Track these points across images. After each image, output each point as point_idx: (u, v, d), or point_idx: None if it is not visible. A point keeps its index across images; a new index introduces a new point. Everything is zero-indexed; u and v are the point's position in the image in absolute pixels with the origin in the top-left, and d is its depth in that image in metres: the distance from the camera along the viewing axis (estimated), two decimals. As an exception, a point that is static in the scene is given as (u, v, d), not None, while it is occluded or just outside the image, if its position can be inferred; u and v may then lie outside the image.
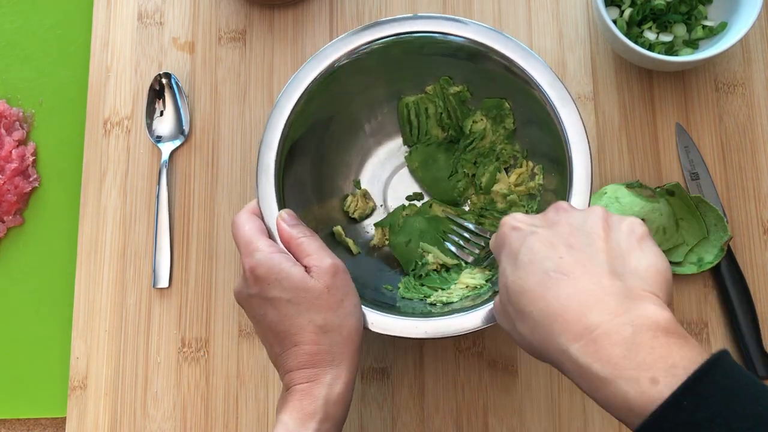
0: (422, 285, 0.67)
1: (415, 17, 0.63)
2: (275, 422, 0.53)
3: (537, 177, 0.68)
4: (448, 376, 0.70)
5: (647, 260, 0.44)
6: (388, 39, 0.63)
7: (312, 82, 0.62)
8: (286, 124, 0.62)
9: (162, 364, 0.71)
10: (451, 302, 0.63)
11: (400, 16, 0.63)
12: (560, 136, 0.60)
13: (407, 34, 0.63)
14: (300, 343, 0.53)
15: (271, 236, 0.58)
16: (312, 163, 0.68)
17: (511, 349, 0.70)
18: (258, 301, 0.54)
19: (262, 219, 0.59)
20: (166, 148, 0.75)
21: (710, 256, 0.69)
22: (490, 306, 0.57)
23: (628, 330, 0.40)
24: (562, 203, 0.49)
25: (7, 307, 0.74)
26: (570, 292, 0.42)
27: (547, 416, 0.69)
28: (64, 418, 0.71)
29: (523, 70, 0.61)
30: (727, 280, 0.69)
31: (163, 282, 0.72)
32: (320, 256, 0.55)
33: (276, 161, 0.61)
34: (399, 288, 0.68)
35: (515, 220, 0.49)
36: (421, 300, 0.65)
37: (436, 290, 0.66)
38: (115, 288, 0.73)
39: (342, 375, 0.53)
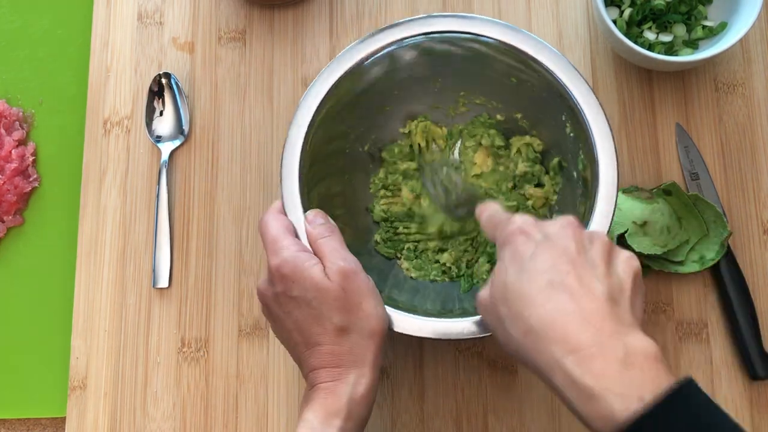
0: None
1: (433, 16, 0.63)
2: (299, 420, 0.53)
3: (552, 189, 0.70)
4: (448, 377, 0.70)
5: (640, 296, 0.48)
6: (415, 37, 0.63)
7: (340, 78, 0.62)
8: (310, 123, 0.62)
9: (162, 363, 0.71)
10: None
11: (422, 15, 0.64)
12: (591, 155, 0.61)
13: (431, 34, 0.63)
14: (322, 343, 0.54)
15: (297, 234, 0.59)
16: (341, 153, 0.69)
17: (511, 349, 0.70)
18: (284, 299, 0.55)
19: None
20: (166, 147, 0.75)
21: (712, 253, 0.69)
22: None
23: (622, 351, 0.42)
24: (572, 219, 0.51)
25: (7, 307, 0.74)
26: (571, 308, 0.44)
27: (547, 416, 0.69)
28: (64, 418, 0.71)
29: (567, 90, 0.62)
30: (727, 280, 0.69)
31: (163, 282, 0.72)
32: (333, 258, 0.55)
33: (300, 159, 0.61)
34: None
35: (525, 223, 0.51)
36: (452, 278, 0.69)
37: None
38: (115, 288, 0.73)
39: (366, 375, 0.54)
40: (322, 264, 0.55)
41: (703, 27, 0.73)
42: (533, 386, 0.69)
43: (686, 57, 0.70)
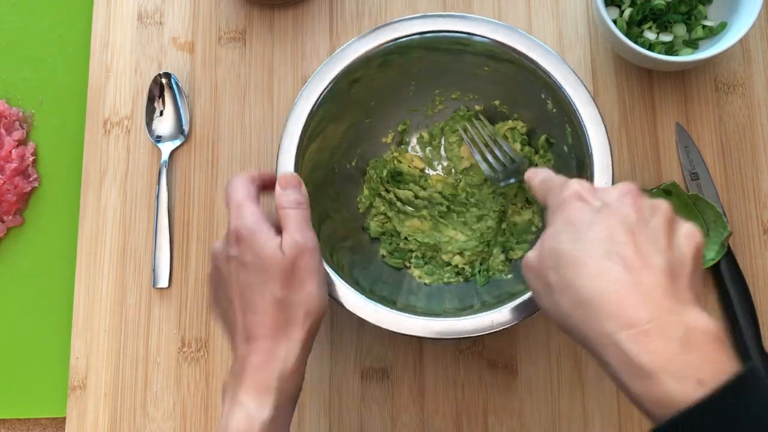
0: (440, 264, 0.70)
1: (429, 16, 0.64)
2: (228, 401, 0.53)
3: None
4: (448, 376, 0.70)
5: (699, 271, 0.45)
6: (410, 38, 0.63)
7: (318, 99, 0.63)
8: (312, 108, 0.62)
9: (162, 363, 0.71)
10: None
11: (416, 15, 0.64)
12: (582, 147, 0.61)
13: (421, 34, 0.63)
14: (259, 312, 0.54)
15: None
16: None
17: (511, 348, 0.70)
18: (234, 262, 0.55)
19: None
20: (166, 148, 0.75)
21: (711, 253, 0.69)
22: (500, 310, 0.58)
23: (682, 330, 0.40)
24: (632, 186, 0.48)
25: (7, 307, 0.74)
26: (627, 280, 0.42)
27: (547, 416, 0.69)
28: (64, 418, 0.71)
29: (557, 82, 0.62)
30: (727, 280, 0.69)
31: (163, 282, 0.72)
32: (292, 232, 0.55)
33: (300, 138, 0.62)
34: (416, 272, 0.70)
35: (583, 189, 0.48)
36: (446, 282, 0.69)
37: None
38: (115, 288, 0.73)
39: (295, 350, 0.53)
40: (281, 234, 0.55)
41: (703, 27, 0.73)
42: (533, 386, 0.69)
43: (686, 57, 0.70)
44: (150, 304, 0.72)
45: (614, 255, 0.43)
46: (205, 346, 0.71)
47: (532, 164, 0.70)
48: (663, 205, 0.46)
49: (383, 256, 0.70)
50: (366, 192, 0.72)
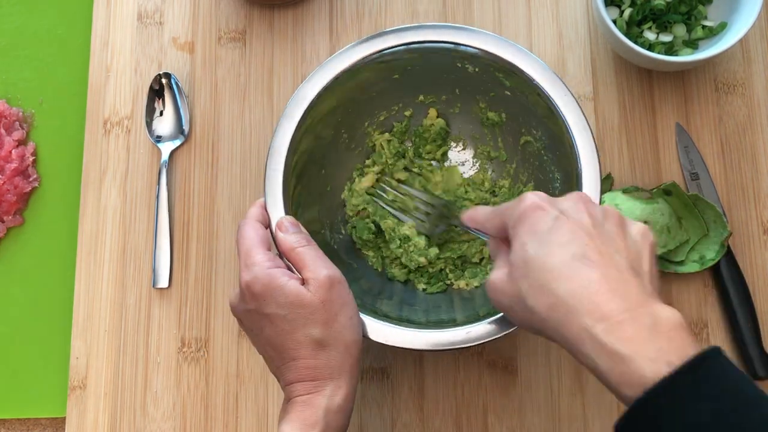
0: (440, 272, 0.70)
1: (417, 27, 0.63)
2: None
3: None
4: (448, 376, 0.70)
5: (655, 268, 0.49)
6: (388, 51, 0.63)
7: (322, 88, 0.62)
8: (297, 127, 0.61)
9: (162, 363, 0.71)
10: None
11: (393, 28, 0.63)
12: (569, 151, 0.61)
13: (403, 46, 0.63)
14: (298, 357, 0.53)
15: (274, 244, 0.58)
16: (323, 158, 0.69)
17: (510, 349, 0.70)
18: (255, 316, 0.54)
19: (270, 224, 0.59)
20: (166, 147, 0.75)
21: (712, 253, 0.69)
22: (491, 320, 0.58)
23: (650, 319, 0.44)
24: (583, 194, 0.51)
25: (7, 307, 0.74)
26: (597, 279, 0.45)
27: (547, 416, 0.69)
28: (64, 418, 0.71)
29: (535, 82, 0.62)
30: (727, 280, 0.69)
31: (163, 282, 0.72)
32: (316, 268, 0.55)
33: (285, 165, 0.61)
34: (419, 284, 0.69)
35: (539, 198, 0.50)
36: (445, 291, 0.68)
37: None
38: (115, 288, 0.73)
39: (342, 386, 0.54)
40: (302, 274, 0.55)
41: (703, 27, 0.73)
42: (533, 386, 0.69)
43: (686, 57, 0.70)
44: (150, 304, 0.72)
45: (580, 257, 0.46)
46: (205, 346, 0.71)
47: (457, 202, 0.71)
48: (612, 210, 0.50)
49: (424, 290, 0.70)
50: (371, 253, 0.71)
